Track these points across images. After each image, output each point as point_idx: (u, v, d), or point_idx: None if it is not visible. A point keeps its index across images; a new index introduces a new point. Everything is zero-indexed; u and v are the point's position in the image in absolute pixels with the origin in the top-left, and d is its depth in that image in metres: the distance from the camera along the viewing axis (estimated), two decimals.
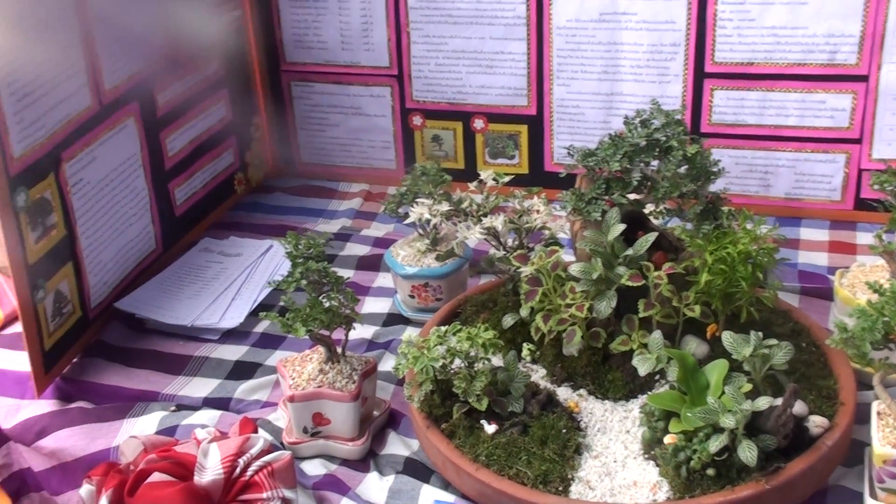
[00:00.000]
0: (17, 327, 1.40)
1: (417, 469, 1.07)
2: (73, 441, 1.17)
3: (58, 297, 1.25)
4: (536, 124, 1.63)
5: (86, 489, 0.96)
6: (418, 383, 1.04)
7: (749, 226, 1.07)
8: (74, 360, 1.31)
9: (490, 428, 1.01)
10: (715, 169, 1.09)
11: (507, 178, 1.26)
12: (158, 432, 1.14)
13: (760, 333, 0.99)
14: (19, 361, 1.30)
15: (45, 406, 1.23)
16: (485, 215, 1.22)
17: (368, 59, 1.67)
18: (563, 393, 1.10)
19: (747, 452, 0.90)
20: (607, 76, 1.56)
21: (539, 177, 1.64)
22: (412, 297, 1.33)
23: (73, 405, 1.23)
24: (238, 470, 0.97)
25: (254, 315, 1.39)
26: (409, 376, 1.07)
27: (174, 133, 1.51)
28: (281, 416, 1.17)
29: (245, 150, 1.73)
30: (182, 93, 1.51)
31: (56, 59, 1.21)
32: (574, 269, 1.08)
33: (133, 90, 1.39)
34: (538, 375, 1.13)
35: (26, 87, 1.15)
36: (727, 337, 0.99)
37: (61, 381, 1.27)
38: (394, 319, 1.37)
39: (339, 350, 1.12)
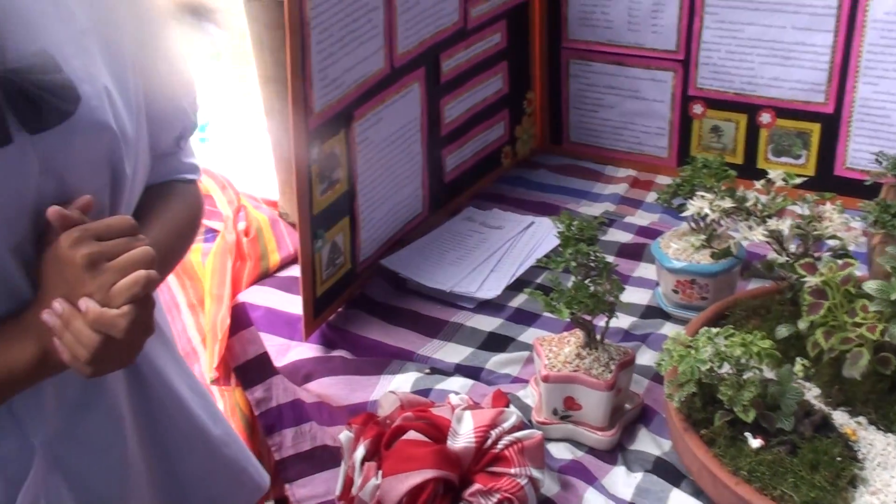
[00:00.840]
0: (290, 271, 1.49)
1: (668, 471, 1.03)
2: (336, 390, 1.23)
3: (333, 249, 1.31)
4: (832, 124, 1.51)
5: (345, 435, 1.00)
6: (680, 383, 1.00)
7: None
8: (339, 309, 1.37)
9: (755, 442, 0.95)
10: None
11: (797, 180, 1.18)
12: (413, 392, 1.16)
13: None
14: (290, 304, 1.38)
15: (310, 350, 1.30)
16: (769, 216, 1.14)
17: (654, 41, 1.61)
18: (839, 417, 1.02)
19: None
20: None
21: (826, 180, 1.52)
22: (676, 291, 1.28)
23: (335, 353, 1.29)
24: (489, 441, 0.98)
25: (510, 289, 1.39)
26: (671, 374, 1.03)
27: (453, 101, 1.54)
28: (530, 394, 1.16)
29: (515, 123, 1.73)
30: (466, 61, 1.53)
31: (360, 21, 1.26)
32: (869, 287, 0.99)
33: (422, 56, 1.42)
34: (811, 394, 1.05)
35: (332, 47, 1.20)
36: None
37: (326, 327, 1.33)
38: (652, 312, 1.32)
39: (598, 337, 1.10)
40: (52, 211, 0.82)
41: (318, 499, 1.43)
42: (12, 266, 0.82)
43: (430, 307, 1.37)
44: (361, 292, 1.41)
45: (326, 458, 1.39)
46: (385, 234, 1.45)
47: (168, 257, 0.99)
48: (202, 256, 1.47)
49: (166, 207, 1.03)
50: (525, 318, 1.34)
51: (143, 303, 0.83)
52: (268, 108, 1.46)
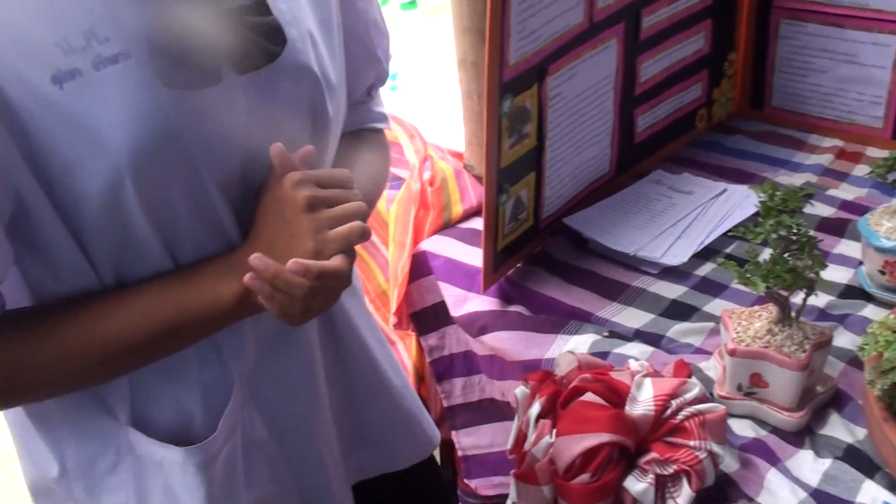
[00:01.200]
0: (471, 223, 1.49)
1: (861, 460, 0.97)
2: (511, 344, 1.22)
3: (517, 203, 1.29)
4: None
5: (521, 390, 0.99)
6: (884, 370, 0.93)
7: None
8: (518, 265, 1.36)
9: None
10: None
11: None
12: (590, 354, 1.14)
13: None
14: (470, 256, 1.38)
15: (487, 303, 1.30)
16: None
17: (880, 1, 1.49)
18: None
19: None
20: None
21: None
22: (882, 272, 1.19)
23: (512, 308, 1.28)
24: (669, 411, 0.95)
25: (697, 257, 1.34)
26: (874, 360, 0.96)
27: (650, 59, 1.48)
28: (713, 367, 1.11)
29: (714, 86, 1.65)
30: (668, 18, 1.47)
31: None
32: None
33: (623, 11, 1.37)
34: None
35: None
36: None
37: (504, 282, 1.33)
38: (853, 292, 1.24)
39: (794, 314, 1.03)
40: (276, 148, 0.84)
41: (482, 449, 1.44)
42: (220, 203, 0.85)
43: (611, 269, 1.34)
44: (542, 249, 1.39)
45: (493, 410, 1.40)
46: (569, 192, 1.42)
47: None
48: (387, 203, 1.50)
49: (361, 157, 1.05)
50: (711, 287, 1.28)
51: (350, 255, 0.85)
52: (461, 59, 1.46)
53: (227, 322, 0.88)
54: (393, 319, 1.46)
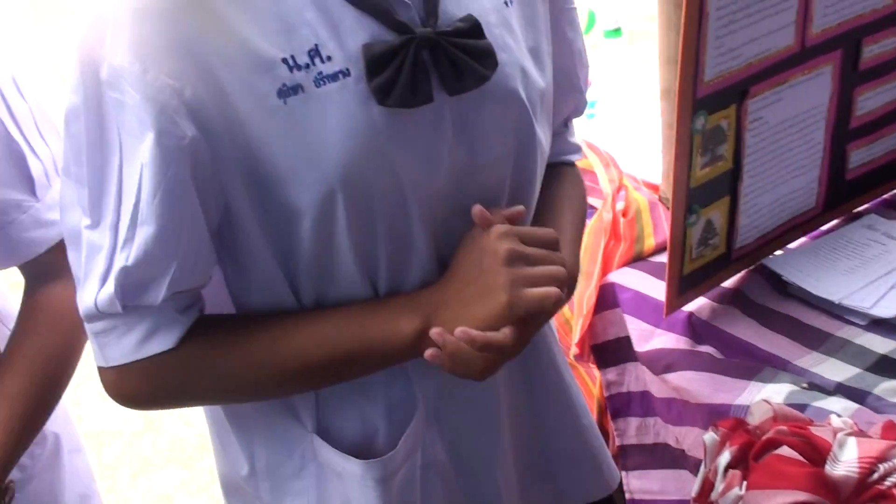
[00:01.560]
0: (664, 257, 1.42)
1: None
2: (697, 386, 1.16)
3: (707, 227, 1.24)
4: None
5: (710, 437, 0.93)
6: None
7: None
8: (706, 293, 1.29)
9: None
10: None
11: None
12: (786, 405, 1.06)
13: None
14: (660, 290, 1.32)
15: (674, 341, 1.24)
16: None
17: None
18: None
19: None
20: None
21: None
22: None
23: (702, 348, 1.22)
24: (875, 476, 0.86)
25: None
26: None
27: (870, 91, 1.37)
28: None
29: None
30: (893, 49, 1.36)
31: None
32: None
33: (841, 37, 1.28)
34: None
35: (735, 14, 1.12)
36: None
37: (695, 319, 1.26)
38: None
39: None
40: (477, 210, 0.85)
41: (652, 494, 1.38)
42: (419, 231, 0.86)
43: (813, 316, 1.25)
44: (738, 288, 1.31)
45: (666, 456, 1.33)
46: (768, 224, 1.34)
47: None
48: None
49: (565, 196, 1.03)
50: None
51: (542, 319, 0.85)
52: (664, 89, 1.41)
53: (403, 357, 0.89)
54: (574, 350, 1.42)
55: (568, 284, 0.88)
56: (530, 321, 0.84)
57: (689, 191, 1.18)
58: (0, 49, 1.07)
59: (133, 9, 0.76)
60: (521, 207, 0.88)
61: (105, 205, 0.80)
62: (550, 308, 0.83)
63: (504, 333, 0.81)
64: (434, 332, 0.82)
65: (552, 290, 0.82)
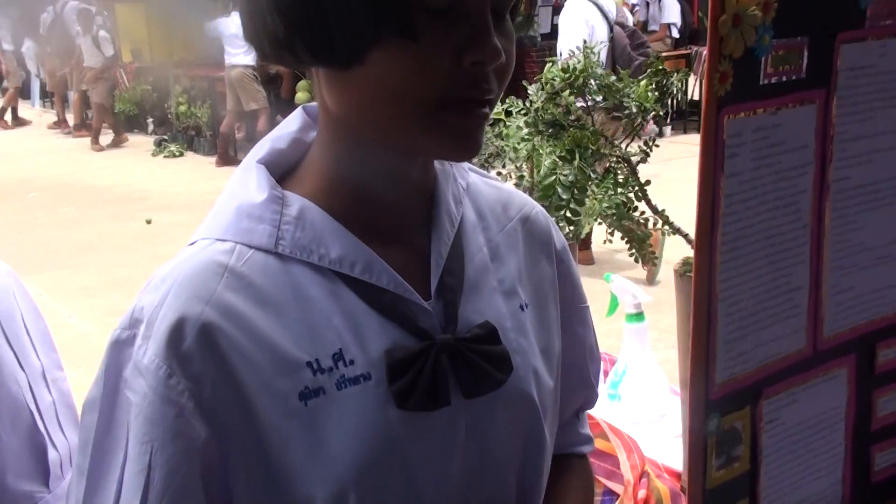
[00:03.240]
0: None
1: None
2: None
3: None
4: None
5: None
6: None
7: None
8: None
9: None
10: None
11: None
12: None
13: None
14: None
15: None
16: None
17: None
18: None
19: None
20: None
21: None
22: None
23: None
24: None
25: None
26: None
27: (889, 394, 1.39)
28: None
29: None
30: None
31: (779, 299, 1.22)
32: None
33: (854, 342, 1.32)
34: None
35: (743, 321, 1.17)
36: None
37: None
38: None
39: None
40: None
41: None
42: None
43: None
44: None
45: None
46: None
47: None
48: None
49: (570, 488, 1.05)
50: None
51: None
52: (682, 378, 1.45)
53: None
54: None
55: None
56: None
57: (706, 493, 1.17)
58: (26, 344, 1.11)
59: (173, 319, 0.77)
60: None
61: (99, 501, 0.78)
62: None
63: None
64: None
65: None
